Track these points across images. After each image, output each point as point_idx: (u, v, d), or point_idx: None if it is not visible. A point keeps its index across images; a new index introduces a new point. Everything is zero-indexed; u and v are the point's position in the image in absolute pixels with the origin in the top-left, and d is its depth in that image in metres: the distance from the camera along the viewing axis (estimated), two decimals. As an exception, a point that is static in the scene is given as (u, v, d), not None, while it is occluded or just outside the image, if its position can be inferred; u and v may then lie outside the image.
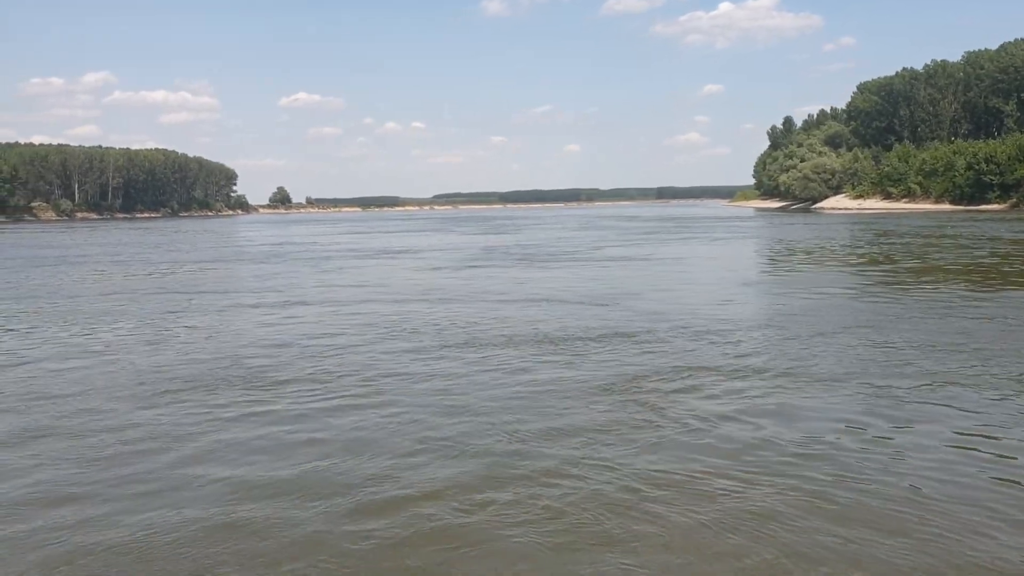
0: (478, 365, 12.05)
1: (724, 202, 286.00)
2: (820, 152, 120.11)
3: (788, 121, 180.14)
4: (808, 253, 35.28)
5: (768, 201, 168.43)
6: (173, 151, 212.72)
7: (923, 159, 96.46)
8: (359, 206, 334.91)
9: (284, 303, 20.22)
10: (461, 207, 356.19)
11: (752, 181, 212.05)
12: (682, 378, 10.90)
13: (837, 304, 17.98)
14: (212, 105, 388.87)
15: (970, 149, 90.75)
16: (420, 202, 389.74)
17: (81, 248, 52.24)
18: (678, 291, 21.53)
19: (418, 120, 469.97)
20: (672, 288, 22.30)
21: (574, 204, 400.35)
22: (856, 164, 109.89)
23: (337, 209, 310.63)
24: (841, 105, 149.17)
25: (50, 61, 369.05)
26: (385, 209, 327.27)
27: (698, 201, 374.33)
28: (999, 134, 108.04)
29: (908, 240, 40.89)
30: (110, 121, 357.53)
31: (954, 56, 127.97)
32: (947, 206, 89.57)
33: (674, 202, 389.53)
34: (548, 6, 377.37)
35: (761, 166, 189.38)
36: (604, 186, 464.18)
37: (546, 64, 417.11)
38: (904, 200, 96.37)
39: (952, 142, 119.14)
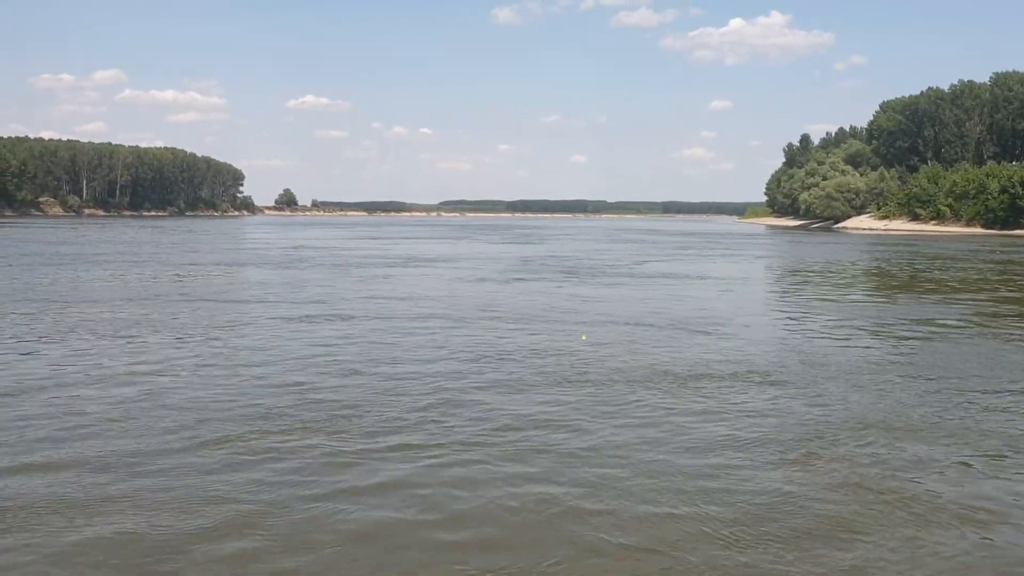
0: (608, 410, 9.75)
1: (733, 218, 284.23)
2: (843, 171, 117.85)
3: (805, 139, 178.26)
4: (877, 276, 33.01)
5: (782, 219, 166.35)
6: (182, 150, 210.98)
7: (954, 181, 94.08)
8: (365, 210, 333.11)
9: (331, 316, 17.94)
10: (468, 214, 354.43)
11: (761, 198, 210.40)
12: (870, 438, 8.62)
13: (959, 345, 15.68)
14: (220, 105, 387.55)
15: (1004, 172, 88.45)
16: (426, 208, 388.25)
17: (95, 246, 50.00)
18: (771, 318, 19.26)
19: (425, 126, 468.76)
20: (762, 313, 20.03)
21: (581, 216, 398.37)
22: (882, 184, 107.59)
23: (343, 213, 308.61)
24: (857, 123, 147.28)
25: (61, 57, 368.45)
26: (392, 214, 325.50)
27: (706, 217, 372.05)
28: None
29: (979, 265, 38.60)
30: (118, 119, 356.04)
31: (975, 76, 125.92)
32: (979, 230, 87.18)
33: (679, 217, 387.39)
34: (559, 16, 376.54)
35: (775, 184, 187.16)
36: (610, 198, 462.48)
37: (555, 74, 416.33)
38: (933, 222, 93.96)
39: (978, 164, 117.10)
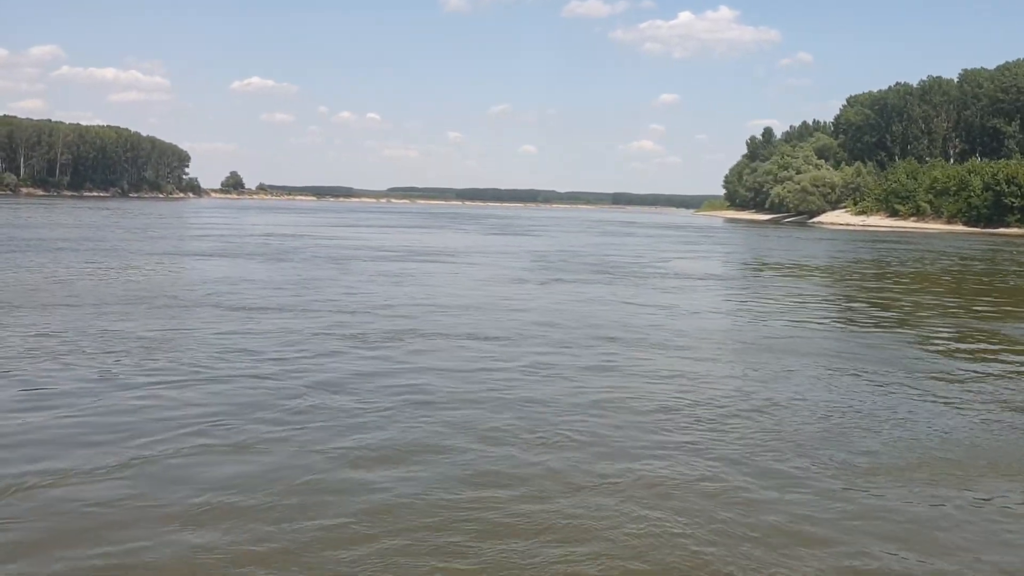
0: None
1: (690, 211, 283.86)
2: (816, 164, 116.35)
3: (768, 132, 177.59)
4: (931, 281, 30.20)
5: (743, 212, 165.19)
6: (126, 129, 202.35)
7: (934, 177, 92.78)
8: (313, 195, 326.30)
9: (397, 334, 14.25)
10: (419, 202, 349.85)
11: (708, 191, 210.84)
12: None
13: None
14: (163, 85, 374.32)
15: (987, 169, 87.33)
16: (375, 194, 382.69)
17: (53, 230, 45.11)
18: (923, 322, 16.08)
19: (373, 111, 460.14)
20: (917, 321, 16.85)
21: (532, 205, 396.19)
22: (858, 179, 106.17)
23: (290, 197, 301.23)
24: (804, 119, 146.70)
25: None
26: (341, 200, 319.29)
27: (658, 209, 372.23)
28: (997, 155, 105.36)
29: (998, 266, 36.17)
30: (57, 96, 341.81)
31: (913, 76, 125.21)
32: (960, 227, 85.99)
33: (630, 208, 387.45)
34: (509, 4, 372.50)
35: (735, 177, 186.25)
36: (560, 188, 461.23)
37: (505, 63, 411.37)
38: (912, 219, 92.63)
39: (945, 160, 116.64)
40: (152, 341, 12.93)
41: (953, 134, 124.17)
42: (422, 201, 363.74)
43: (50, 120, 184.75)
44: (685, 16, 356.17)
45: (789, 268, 34.82)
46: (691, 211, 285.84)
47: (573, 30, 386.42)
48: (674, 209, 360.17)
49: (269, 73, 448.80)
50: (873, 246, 53.74)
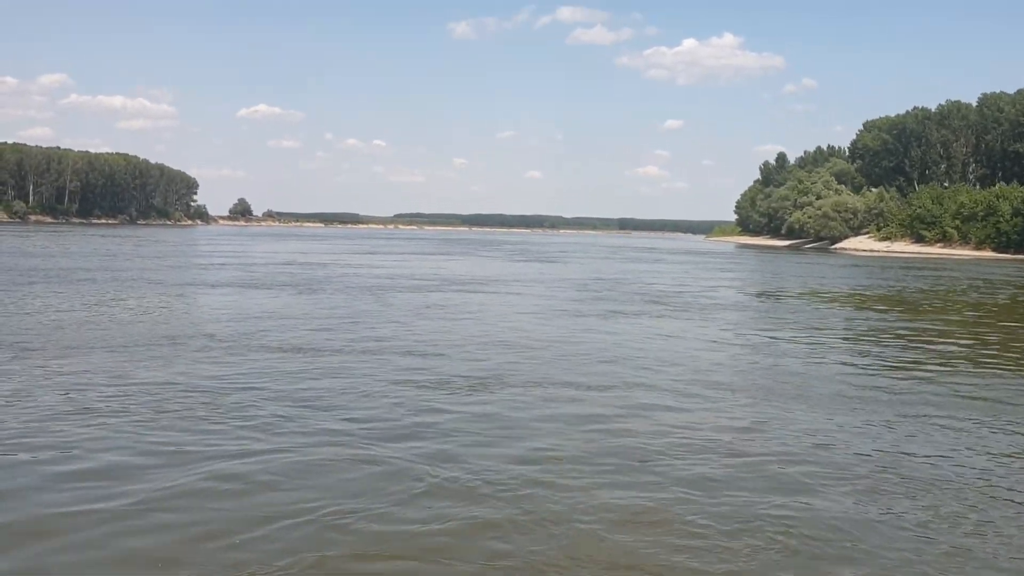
0: None
1: (699, 237, 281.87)
2: (836, 190, 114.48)
3: (781, 157, 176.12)
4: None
5: (758, 238, 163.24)
6: (135, 156, 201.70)
7: (961, 202, 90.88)
8: (320, 221, 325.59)
9: (480, 384, 12.41)
10: (426, 228, 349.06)
11: (716, 216, 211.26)
12: None
13: None
14: (171, 113, 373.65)
15: (1016, 193, 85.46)
16: (381, 220, 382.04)
17: (70, 259, 43.39)
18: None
19: (380, 138, 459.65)
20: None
21: (539, 230, 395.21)
22: (881, 204, 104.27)
23: (298, 224, 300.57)
24: (808, 145, 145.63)
25: (4, 60, 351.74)
26: (348, 226, 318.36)
27: (664, 234, 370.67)
28: (1022, 179, 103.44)
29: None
30: (65, 124, 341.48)
31: (920, 102, 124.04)
32: (990, 253, 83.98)
33: (637, 234, 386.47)
34: (515, 32, 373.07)
35: (748, 202, 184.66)
36: (567, 214, 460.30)
37: (510, 89, 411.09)
38: (939, 245, 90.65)
39: (964, 185, 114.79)
40: (209, 395, 11.07)
41: (972, 159, 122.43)
42: (429, 227, 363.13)
43: (59, 147, 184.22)
44: (689, 43, 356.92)
45: (848, 297, 32.93)
46: (702, 237, 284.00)
47: (578, 57, 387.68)
48: (682, 234, 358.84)
49: (276, 100, 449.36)
50: (916, 273, 51.79)
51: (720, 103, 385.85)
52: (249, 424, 9.53)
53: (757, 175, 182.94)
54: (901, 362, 16.08)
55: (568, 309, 24.82)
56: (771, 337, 19.39)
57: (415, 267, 47.16)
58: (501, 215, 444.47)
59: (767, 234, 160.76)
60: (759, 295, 34.02)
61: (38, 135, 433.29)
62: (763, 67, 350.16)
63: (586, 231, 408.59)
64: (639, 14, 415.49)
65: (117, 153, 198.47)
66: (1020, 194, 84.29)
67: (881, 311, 26.93)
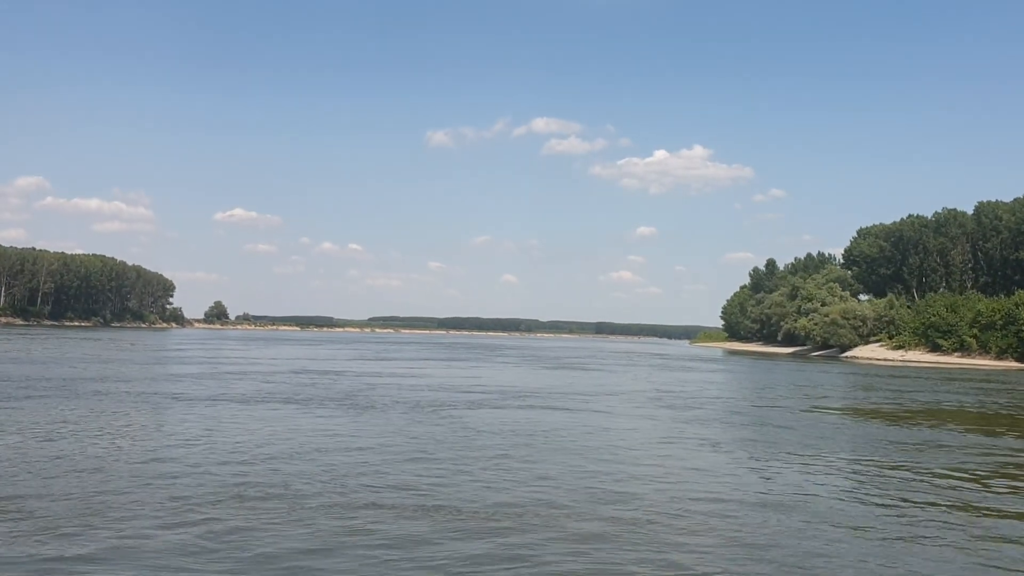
0: None
1: (683, 342, 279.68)
2: (841, 296, 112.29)
3: (771, 264, 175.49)
4: None
5: (748, 344, 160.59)
6: (111, 258, 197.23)
7: (978, 310, 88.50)
8: (296, 325, 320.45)
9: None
10: (403, 331, 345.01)
11: (688, 321, 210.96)
12: None
13: None
14: (147, 216, 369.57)
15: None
16: (357, 324, 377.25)
17: (59, 366, 38.88)
18: None
19: (355, 242, 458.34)
20: None
21: (516, 334, 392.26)
22: (892, 311, 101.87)
23: (274, 327, 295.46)
24: (778, 253, 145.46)
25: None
26: (324, 329, 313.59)
27: (645, 339, 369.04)
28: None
29: None
30: (39, 226, 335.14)
31: (884, 216, 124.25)
32: (1014, 363, 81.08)
33: (614, 338, 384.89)
34: (491, 141, 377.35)
35: (736, 307, 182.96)
36: (543, 317, 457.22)
37: (487, 196, 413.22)
38: (956, 354, 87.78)
39: (961, 294, 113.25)
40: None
41: (969, 267, 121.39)
42: (405, 331, 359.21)
43: (34, 248, 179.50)
44: (661, 154, 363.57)
45: (936, 414, 29.28)
46: (684, 342, 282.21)
47: (553, 166, 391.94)
48: (664, 339, 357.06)
49: (252, 205, 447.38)
50: (971, 385, 48.38)
51: (691, 212, 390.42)
52: None
53: (728, 282, 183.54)
54: None
55: (690, 435, 20.93)
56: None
57: (445, 375, 43.08)
58: (478, 318, 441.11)
59: (759, 340, 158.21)
60: (885, 417, 30.21)
61: (12, 237, 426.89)
62: (732, 177, 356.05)
63: (563, 335, 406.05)
64: (612, 126, 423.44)
65: (93, 255, 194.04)
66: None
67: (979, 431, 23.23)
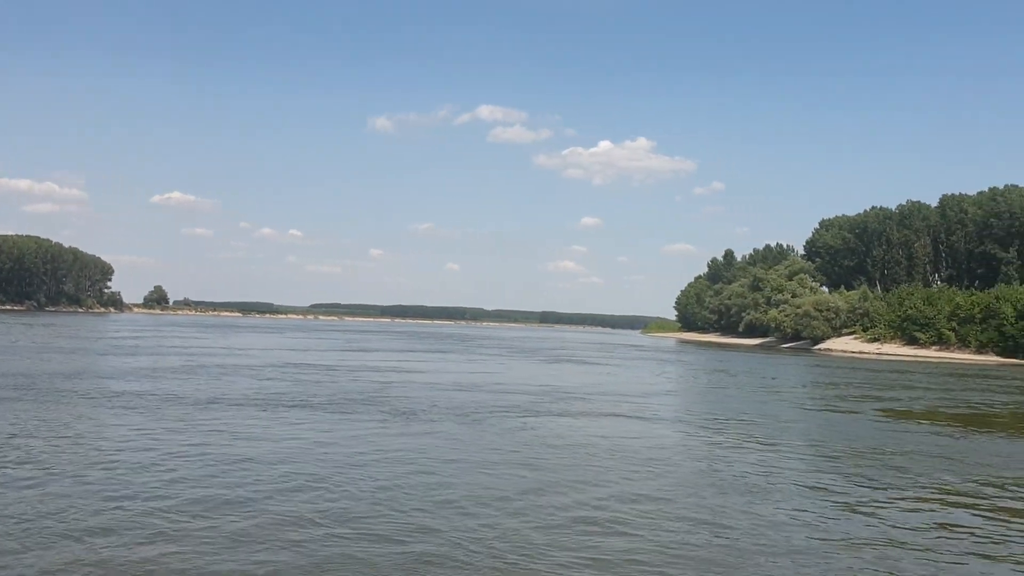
0: None
1: (632, 331, 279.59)
2: (811, 288, 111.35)
3: (729, 254, 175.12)
4: None
5: (706, 335, 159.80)
6: (47, 240, 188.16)
7: (957, 303, 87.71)
8: (238, 310, 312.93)
9: None
10: (347, 319, 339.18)
11: (630, 311, 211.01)
12: None
13: None
14: (81, 197, 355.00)
15: (1018, 295, 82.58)
16: (299, 311, 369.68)
17: (25, 357, 34.55)
18: None
19: (296, 227, 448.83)
20: None
21: (462, 322, 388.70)
22: (866, 303, 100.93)
23: (216, 313, 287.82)
24: (717, 245, 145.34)
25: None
26: (267, 316, 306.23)
27: (593, 328, 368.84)
28: (992, 281, 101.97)
29: None
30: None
31: (824, 212, 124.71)
32: (994, 358, 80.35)
33: (560, 327, 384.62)
34: (435, 128, 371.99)
35: (693, 298, 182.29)
36: (487, 306, 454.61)
37: (430, 184, 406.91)
38: (934, 348, 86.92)
39: (926, 286, 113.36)
40: None
41: (932, 260, 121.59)
42: (349, 318, 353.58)
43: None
44: (605, 145, 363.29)
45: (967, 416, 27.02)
46: (633, 331, 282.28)
47: (498, 154, 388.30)
48: (613, 329, 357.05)
49: (191, 188, 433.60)
50: (980, 381, 46.68)
51: (634, 203, 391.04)
52: None
53: (669, 273, 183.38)
54: None
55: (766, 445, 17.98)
56: None
57: (456, 371, 39.85)
58: (422, 306, 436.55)
59: (716, 331, 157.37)
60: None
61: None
62: (674, 169, 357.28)
63: (508, 324, 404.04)
64: (558, 116, 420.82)
65: (27, 236, 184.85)
66: (1022, 296, 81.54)
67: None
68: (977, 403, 32.61)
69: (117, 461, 13.70)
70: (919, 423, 24.53)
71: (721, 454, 17.33)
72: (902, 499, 13.32)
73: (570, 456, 16.13)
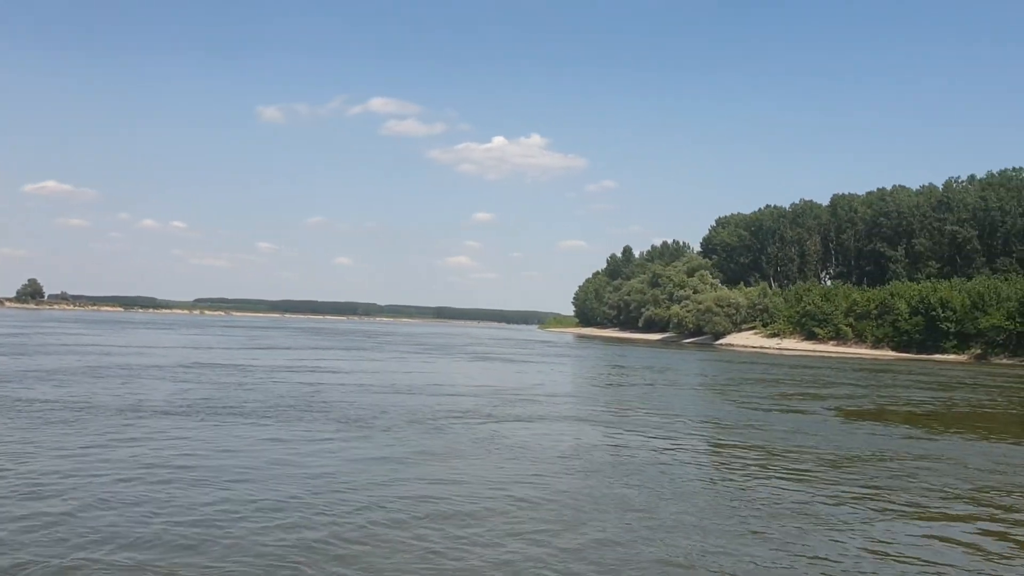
0: None
1: (528, 326, 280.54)
2: (712, 284, 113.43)
3: (627, 251, 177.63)
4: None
5: (605, 330, 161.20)
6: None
7: (854, 299, 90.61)
8: (119, 305, 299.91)
9: None
10: (235, 314, 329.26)
11: (524, 307, 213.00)
12: None
13: None
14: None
15: (911, 292, 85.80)
16: (183, 305, 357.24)
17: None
18: None
19: (179, 219, 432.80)
20: None
21: (354, 318, 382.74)
22: (765, 299, 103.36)
23: (96, 308, 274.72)
24: (607, 243, 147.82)
25: None
26: (150, 311, 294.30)
27: (488, 324, 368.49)
28: (882, 279, 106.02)
29: None
30: None
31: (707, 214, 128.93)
32: (890, 352, 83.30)
33: (453, 323, 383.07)
34: (326, 120, 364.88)
35: (591, 294, 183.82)
36: (380, 301, 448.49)
37: (320, 176, 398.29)
38: (832, 343, 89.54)
39: (818, 283, 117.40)
40: None
41: (820, 257, 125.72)
42: (237, 313, 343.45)
43: None
44: (499, 141, 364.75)
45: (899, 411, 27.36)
46: (529, 326, 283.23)
47: (390, 147, 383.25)
48: (506, 324, 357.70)
49: (66, 177, 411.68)
50: (881, 376, 47.89)
51: (527, 199, 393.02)
52: None
53: (562, 269, 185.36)
54: None
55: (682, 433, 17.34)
56: None
57: (387, 371, 38.02)
58: (313, 302, 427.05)
59: (615, 327, 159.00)
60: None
61: None
62: (567, 167, 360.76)
63: (403, 319, 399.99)
64: (453, 110, 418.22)
65: None
66: (915, 292, 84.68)
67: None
68: (918, 400, 33.09)
69: (54, 489, 11.78)
70: (885, 423, 24.41)
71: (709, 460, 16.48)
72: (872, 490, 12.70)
73: (611, 462, 14.96)
